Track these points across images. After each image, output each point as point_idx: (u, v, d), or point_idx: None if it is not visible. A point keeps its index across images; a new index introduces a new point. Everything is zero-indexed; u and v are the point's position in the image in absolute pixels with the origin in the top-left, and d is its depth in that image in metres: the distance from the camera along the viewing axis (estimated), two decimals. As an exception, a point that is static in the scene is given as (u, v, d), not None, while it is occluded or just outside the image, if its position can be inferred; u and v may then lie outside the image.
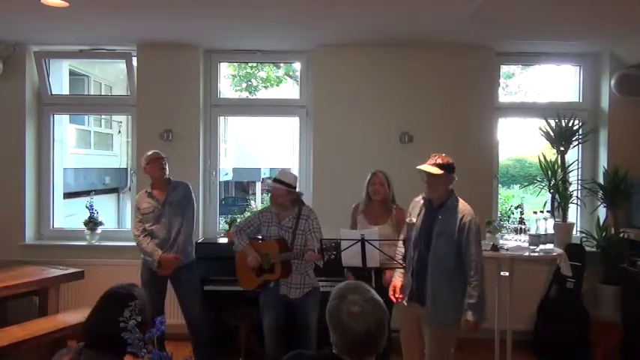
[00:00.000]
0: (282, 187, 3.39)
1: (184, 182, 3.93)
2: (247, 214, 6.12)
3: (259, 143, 14.25)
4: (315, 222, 3.43)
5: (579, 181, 4.73)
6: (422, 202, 3.05)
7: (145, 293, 1.93)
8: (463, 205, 2.91)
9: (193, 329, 3.81)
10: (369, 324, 1.58)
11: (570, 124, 4.56)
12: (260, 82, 9.51)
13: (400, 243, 3.18)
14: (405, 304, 3.01)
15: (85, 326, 1.84)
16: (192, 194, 3.92)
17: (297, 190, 3.50)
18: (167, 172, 3.83)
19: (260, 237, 3.57)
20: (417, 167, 2.92)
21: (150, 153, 3.85)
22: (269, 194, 3.64)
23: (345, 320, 1.59)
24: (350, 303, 1.61)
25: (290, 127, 6.33)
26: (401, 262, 3.09)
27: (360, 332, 1.57)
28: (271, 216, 3.50)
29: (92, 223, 4.78)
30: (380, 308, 1.64)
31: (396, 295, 3.06)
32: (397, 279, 3.11)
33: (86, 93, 8.83)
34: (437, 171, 2.85)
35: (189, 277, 3.81)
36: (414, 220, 3.03)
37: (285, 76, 9.23)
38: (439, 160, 2.89)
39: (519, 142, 8.64)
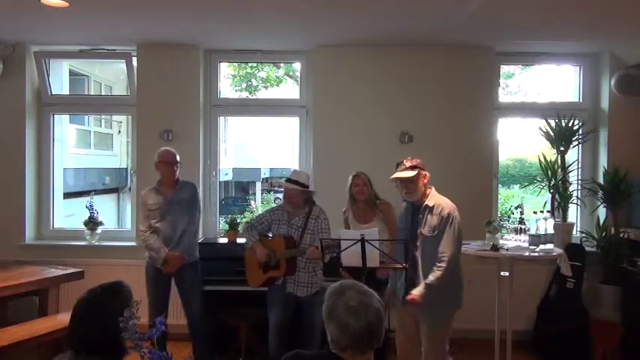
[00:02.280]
0: (296, 187, 3.40)
1: (191, 182, 3.97)
2: (247, 214, 6.11)
3: (259, 143, 14.26)
4: (324, 222, 3.45)
5: (579, 181, 4.73)
6: (404, 207, 3.15)
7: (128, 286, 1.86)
8: (441, 200, 3.00)
9: (194, 329, 3.81)
10: (369, 316, 1.60)
11: (570, 124, 4.56)
12: (260, 82, 9.51)
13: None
14: (399, 307, 3.04)
15: (69, 335, 1.76)
16: (199, 195, 3.95)
17: (311, 188, 3.52)
18: (177, 175, 3.85)
19: (270, 235, 3.59)
20: (390, 177, 3.02)
21: (164, 151, 3.82)
22: (282, 194, 3.64)
23: (345, 315, 1.60)
24: (348, 298, 1.63)
25: (290, 127, 6.33)
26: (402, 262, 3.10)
27: (362, 326, 1.59)
28: (282, 214, 3.52)
29: (92, 223, 4.78)
30: (376, 300, 1.67)
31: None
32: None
33: (86, 93, 8.82)
34: (410, 174, 2.94)
35: (192, 276, 3.82)
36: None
37: (285, 76, 9.22)
38: (408, 164, 2.99)
39: (519, 142, 8.63)
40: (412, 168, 2.96)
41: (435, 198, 3.01)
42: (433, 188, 3.07)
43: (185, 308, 3.85)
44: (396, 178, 2.98)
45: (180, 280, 3.80)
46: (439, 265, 2.88)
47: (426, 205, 2.98)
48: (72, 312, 1.76)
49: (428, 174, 3.03)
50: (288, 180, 3.45)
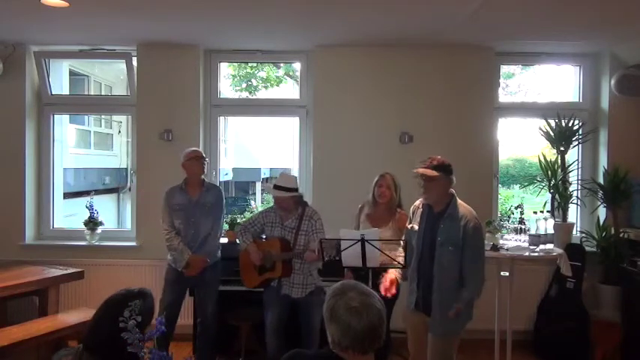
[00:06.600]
0: (284, 193, 3.37)
1: (217, 186, 4.00)
2: (247, 214, 6.11)
3: (259, 143, 14.25)
4: (317, 223, 3.44)
5: (579, 181, 4.73)
6: (421, 207, 2.99)
7: (149, 294, 1.96)
8: (464, 210, 2.80)
9: (203, 328, 3.80)
10: (371, 317, 1.60)
11: (570, 124, 4.56)
12: (260, 82, 9.51)
13: (401, 247, 3.14)
14: (410, 310, 2.99)
15: (87, 332, 1.87)
16: (224, 199, 3.93)
17: (299, 189, 3.50)
18: (205, 172, 3.84)
19: (264, 237, 3.58)
20: (414, 170, 2.84)
21: (191, 150, 3.83)
22: (270, 196, 3.64)
23: (346, 316, 1.60)
24: (349, 299, 1.63)
25: (290, 127, 6.32)
26: (402, 263, 3.08)
27: (363, 326, 1.59)
28: (275, 217, 3.51)
29: (92, 223, 4.78)
30: (378, 301, 1.67)
31: (391, 292, 3.09)
32: (393, 273, 3.13)
33: (86, 93, 8.83)
34: (432, 173, 2.76)
35: (212, 277, 3.81)
36: (416, 226, 2.97)
37: (285, 76, 9.22)
38: (434, 162, 2.80)
39: (519, 142, 8.64)
40: (437, 168, 2.76)
41: (458, 207, 2.80)
42: (455, 195, 2.87)
43: (199, 307, 3.84)
44: (418, 172, 2.79)
45: (200, 281, 3.77)
46: (475, 277, 2.73)
47: (449, 214, 2.78)
48: (95, 311, 1.90)
49: (454, 179, 2.84)
50: (276, 186, 3.40)
